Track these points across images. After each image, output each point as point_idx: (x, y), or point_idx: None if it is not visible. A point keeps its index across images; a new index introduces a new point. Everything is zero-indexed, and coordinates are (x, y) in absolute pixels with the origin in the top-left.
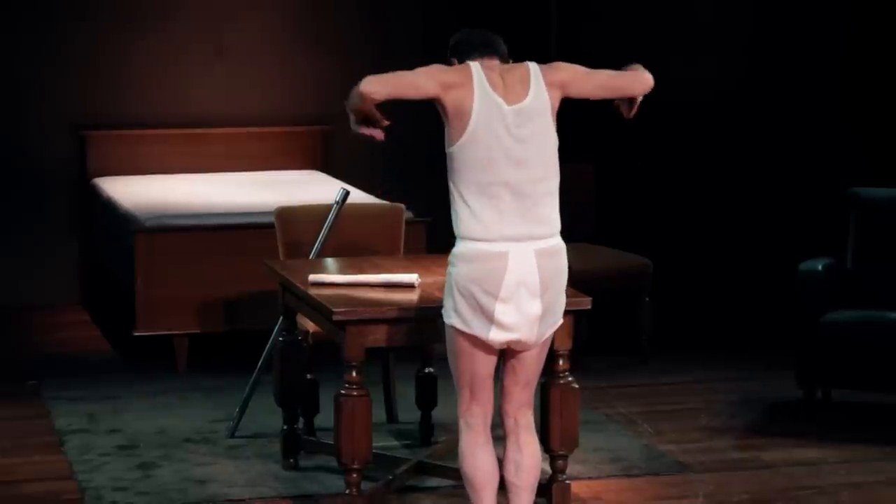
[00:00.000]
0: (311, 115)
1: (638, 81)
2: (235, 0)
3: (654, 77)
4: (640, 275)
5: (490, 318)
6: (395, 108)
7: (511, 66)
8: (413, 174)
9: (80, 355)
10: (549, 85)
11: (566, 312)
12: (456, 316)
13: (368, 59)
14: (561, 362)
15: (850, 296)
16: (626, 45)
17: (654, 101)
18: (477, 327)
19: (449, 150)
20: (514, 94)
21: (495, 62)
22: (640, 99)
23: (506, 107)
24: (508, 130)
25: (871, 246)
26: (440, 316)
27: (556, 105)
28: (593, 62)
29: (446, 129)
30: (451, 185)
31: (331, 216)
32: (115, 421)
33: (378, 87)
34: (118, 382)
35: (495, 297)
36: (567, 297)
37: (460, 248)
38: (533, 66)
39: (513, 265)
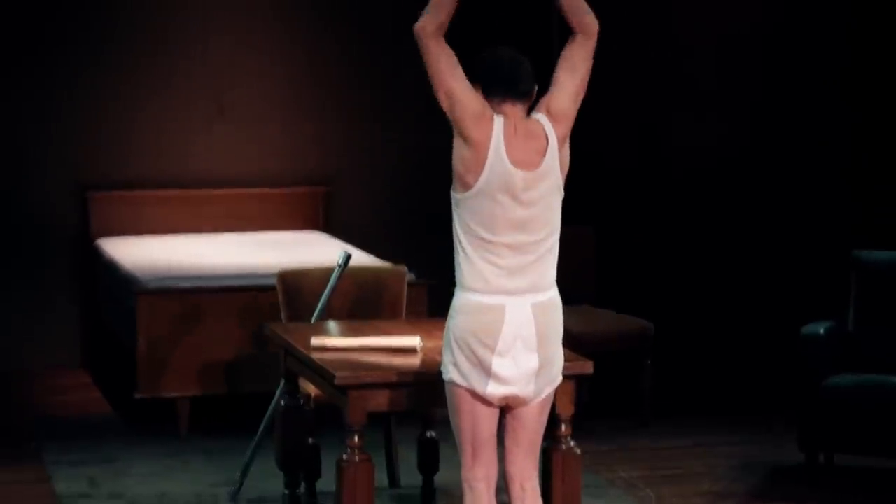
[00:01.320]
0: (313, 176)
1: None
2: (237, 61)
3: (659, 140)
4: (641, 337)
5: (487, 372)
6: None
7: (531, 127)
8: (415, 235)
9: (81, 418)
10: (561, 139)
11: (568, 377)
12: (454, 369)
13: (370, 121)
14: (563, 427)
15: (852, 359)
16: (630, 108)
17: (656, 164)
18: (475, 381)
19: (453, 193)
20: (528, 159)
21: (518, 108)
22: None
23: (517, 174)
24: (516, 197)
25: (872, 309)
26: (440, 374)
27: (567, 159)
28: (598, 124)
29: (454, 170)
30: (454, 230)
31: (333, 279)
32: (116, 485)
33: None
34: (119, 445)
35: (492, 349)
36: (568, 360)
37: (459, 300)
38: (546, 124)
39: (510, 318)
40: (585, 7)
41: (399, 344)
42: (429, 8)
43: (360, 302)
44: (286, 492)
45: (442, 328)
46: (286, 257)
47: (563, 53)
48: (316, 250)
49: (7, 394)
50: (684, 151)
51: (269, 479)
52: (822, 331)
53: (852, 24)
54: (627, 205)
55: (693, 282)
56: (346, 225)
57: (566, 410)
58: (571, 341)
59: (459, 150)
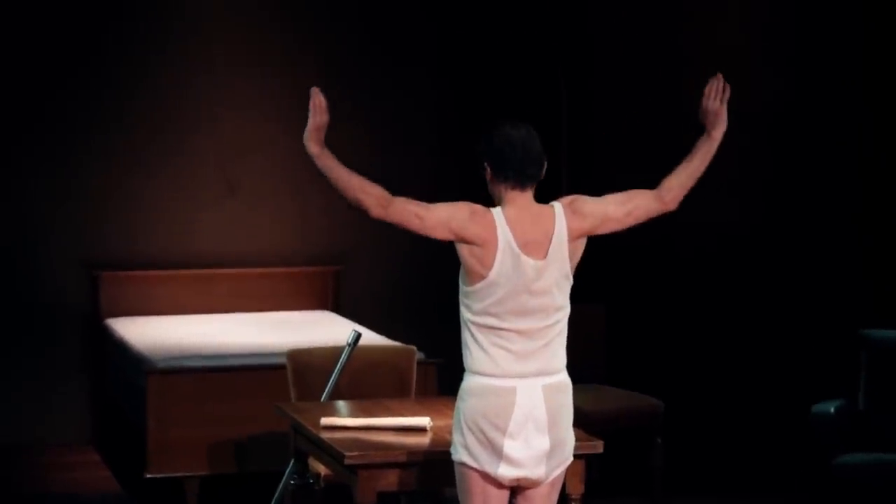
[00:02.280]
0: (322, 255)
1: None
2: (245, 140)
3: (669, 218)
4: (651, 415)
5: (499, 454)
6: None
7: (540, 212)
8: (424, 314)
9: (90, 496)
10: (573, 232)
11: (578, 456)
12: (464, 451)
13: None
14: None
15: (862, 438)
16: (639, 185)
17: (665, 241)
18: (485, 462)
19: (462, 286)
20: (538, 247)
21: (527, 194)
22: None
23: (529, 262)
24: (526, 286)
25: (883, 387)
26: (450, 454)
27: (579, 251)
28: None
29: (462, 265)
30: (462, 316)
31: (342, 359)
32: None
33: (383, 198)
34: None
35: (503, 431)
36: (579, 440)
37: (469, 382)
38: (559, 211)
39: (521, 400)
40: (684, 188)
41: (409, 424)
42: (357, 195)
43: (370, 381)
44: None
45: (451, 407)
46: (295, 336)
47: (631, 190)
48: (325, 330)
49: (16, 470)
50: (694, 229)
51: None
52: (832, 409)
53: (866, 99)
54: (638, 283)
55: (703, 360)
56: (355, 304)
57: (576, 490)
58: (582, 419)
59: (469, 251)
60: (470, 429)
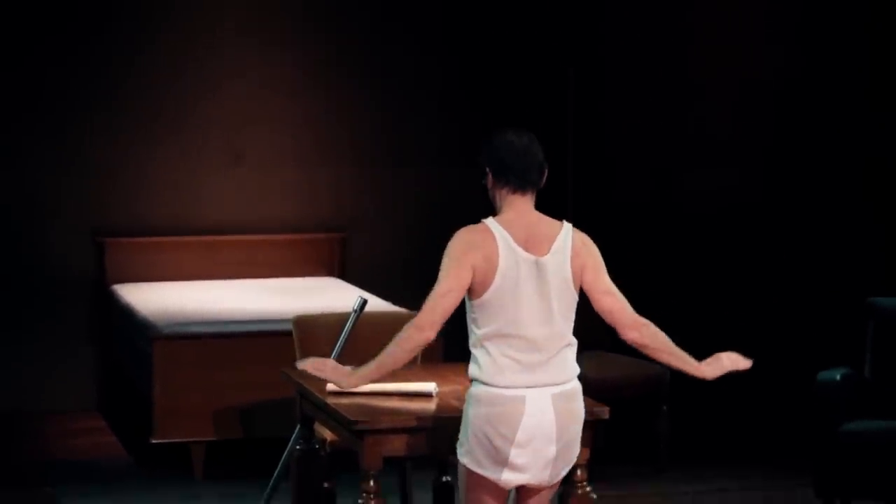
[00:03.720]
0: (328, 222)
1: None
2: (252, 106)
3: (672, 187)
4: (657, 383)
5: (503, 462)
6: (414, 209)
7: (542, 219)
8: (430, 280)
9: (96, 462)
10: (576, 253)
11: (584, 422)
12: (468, 456)
13: (385, 166)
14: (579, 472)
15: (868, 405)
16: (644, 158)
17: (669, 210)
18: (489, 470)
19: (469, 302)
20: (538, 247)
21: (527, 200)
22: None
23: (530, 258)
24: (531, 287)
25: (889, 355)
26: (456, 441)
27: (580, 275)
28: (612, 178)
29: (469, 287)
30: (470, 329)
31: (348, 325)
32: None
33: (421, 334)
34: (134, 490)
35: (511, 441)
36: (584, 405)
37: (477, 390)
38: (566, 227)
39: (530, 409)
40: (656, 353)
41: (415, 389)
42: (413, 354)
43: (376, 347)
44: None
45: (457, 373)
46: (301, 303)
47: (625, 306)
48: (331, 296)
49: (23, 437)
50: (698, 198)
51: None
52: (838, 377)
53: (870, 70)
54: (641, 251)
55: (709, 327)
56: (361, 271)
57: (582, 456)
58: (586, 387)
59: (478, 271)
60: (477, 437)
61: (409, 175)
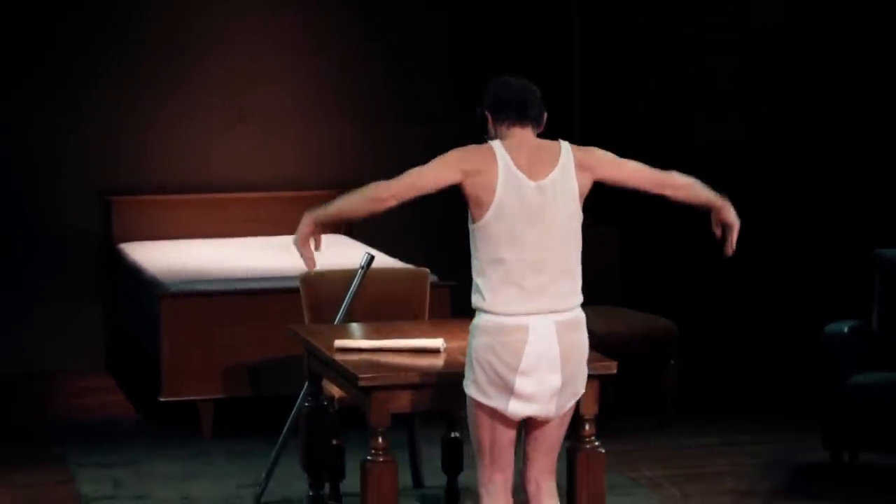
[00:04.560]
0: (334, 180)
1: (685, 186)
2: (257, 66)
3: (681, 138)
4: (664, 337)
5: (509, 391)
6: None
7: (541, 143)
8: (437, 237)
9: (105, 421)
10: (579, 166)
11: (592, 377)
12: (475, 387)
13: (391, 124)
14: (587, 427)
15: (876, 358)
16: (651, 110)
17: (678, 162)
18: (496, 400)
19: (471, 226)
20: (539, 171)
21: (528, 132)
22: (736, 228)
23: (530, 184)
24: (532, 210)
25: None
26: (463, 378)
27: (586, 187)
28: (620, 123)
29: (469, 207)
30: (473, 257)
31: (355, 281)
32: (141, 487)
33: (385, 192)
34: (143, 448)
35: (515, 369)
36: (592, 360)
37: (480, 320)
38: (565, 145)
39: (533, 338)
40: (684, 197)
41: (422, 345)
42: (362, 204)
43: (383, 304)
44: (310, 493)
45: (465, 329)
46: None
47: (656, 171)
48: (338, 253)
49: (31, 397)
50: (706, 149)
51: (293, 480)
52: (845, 329)
53: (875, 22)
54: (650, 204)
55: (717, 281)
56: (368, 227)
57: (590, 411)
58: (595, 341)
59: (471, 185)
60: (481, 366)
61: (414, 131)
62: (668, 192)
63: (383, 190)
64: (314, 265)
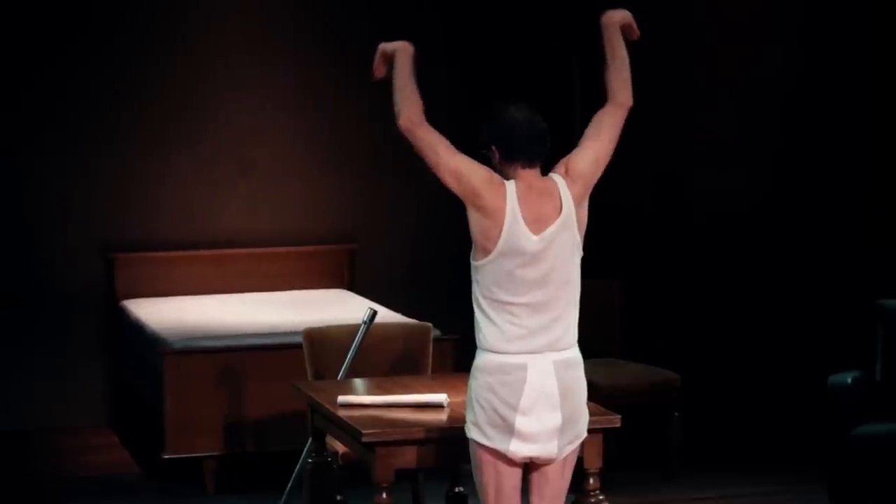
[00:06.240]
0: (337, 234)
1: (616, 72)
2: (260, 120)
3: (682, 190)
4: (668, 389)
5: (510, 431)
6: (422, 219)
7: (545, 185)
8: (440, 290)
9: (109, 478)
10: (576, 199)
11: (595, 431)
12: (476, 430)
13: (393, 177)
14: (591, 481)
15: (880, 408)
16: (651, 158)
17: (678, 214)
18: (497, 440)
19: (472, 261)
20: (543, 223)
21: (535, 171)
22: (631, 17)
23: (533, 238)
24: (533, 257)
25: None
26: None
27: (585, 216)
28: (620, 174)
29: (472, 228)
30: (473, 293)
31: (358, 336)
32: None
33: (416, 119)
34: None
35: (515, 408)
36: (596, 414)
37: (480, 359)
38: (561, 184)
39: (532, 376)
40: (627, 81)
41: (426, 400)
42: (401, 100)
43: (386, 359)
44: None
45: (468, 383)
46: (311, 315)
47: (593, 117)
48: (341, 308)
49: (34, 453)
50: (707, 200)
51: None
52: (849, 380)
53: (875, 73)
54: (652, 256)
55: (719, 333)
56: (370, 282)
57: (594, 464)
58: (598, 394)
59: (477, 221)
60: (482, 406)
61: (416, 185)
62: (619, 98)
63: (418, 112)
64: (380, 74)
